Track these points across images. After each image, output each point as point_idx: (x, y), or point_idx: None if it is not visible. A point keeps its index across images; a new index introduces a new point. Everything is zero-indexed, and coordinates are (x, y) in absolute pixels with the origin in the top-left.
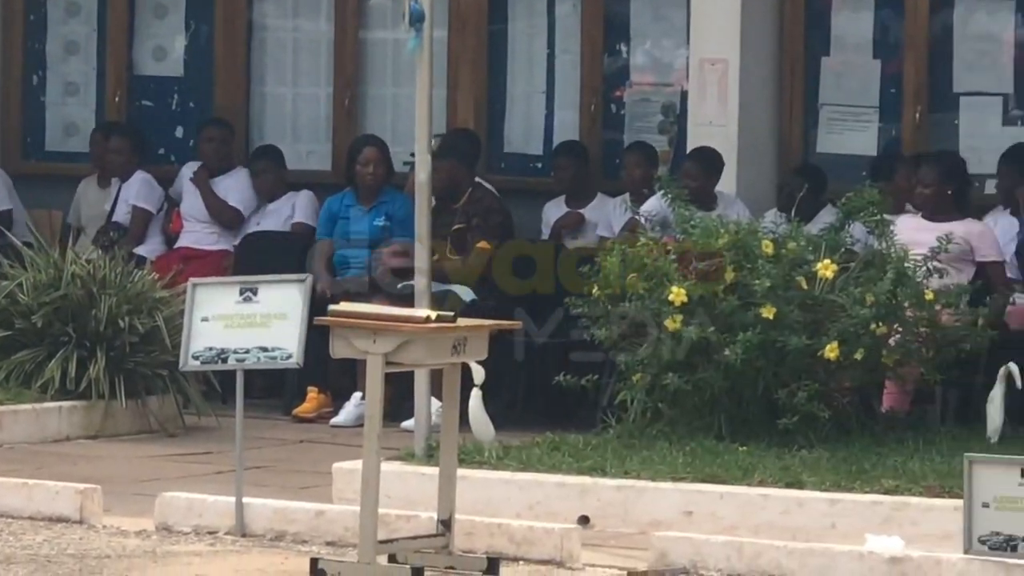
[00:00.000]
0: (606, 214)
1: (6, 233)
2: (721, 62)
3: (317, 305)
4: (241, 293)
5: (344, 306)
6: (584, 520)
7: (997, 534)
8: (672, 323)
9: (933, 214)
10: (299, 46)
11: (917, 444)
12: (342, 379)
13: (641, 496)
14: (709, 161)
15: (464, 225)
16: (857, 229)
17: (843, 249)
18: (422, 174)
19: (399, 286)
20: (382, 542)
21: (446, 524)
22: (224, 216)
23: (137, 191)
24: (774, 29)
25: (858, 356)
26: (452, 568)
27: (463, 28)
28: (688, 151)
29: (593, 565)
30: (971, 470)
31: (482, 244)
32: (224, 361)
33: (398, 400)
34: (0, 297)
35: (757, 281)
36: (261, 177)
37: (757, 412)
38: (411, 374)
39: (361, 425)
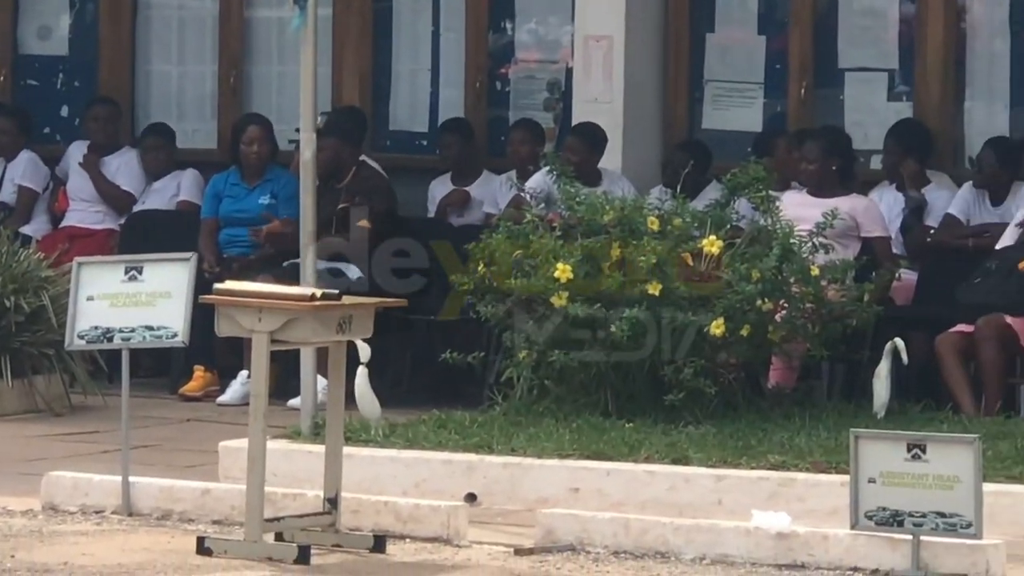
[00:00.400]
0: (492, 191)
1: None
2: (606, 39)
3: (203, 284)
4: (126, 272)
5: (229, 284)
6: (471, 497)
7: (883, 509)
8: (558, 300)
9: (818, 190)
10: (184, 24)
11: (803, 420)
12: (229, 357)
13: (527, 473)
14: (591, 137)
15: (349, 204)
16: (742, 205)
17: (728, 225)
18: (307, 152)
19: (284, 264)
20: (268, 520)
21: (332, 502)
22: (116, 200)
23: (23, 170)
24: (659, 5)
25: (744, 332)
26: (339, 546)
27: (348, 6)
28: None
29: (480, 542)
30: (857, 445)
31: (362, 223)
32: (110, 340)
33: (284, 378)
34: None
35: (643, 258)
36: (151, 155)
37: (643, 389)
38: (297, 352)
39: (247, 403)
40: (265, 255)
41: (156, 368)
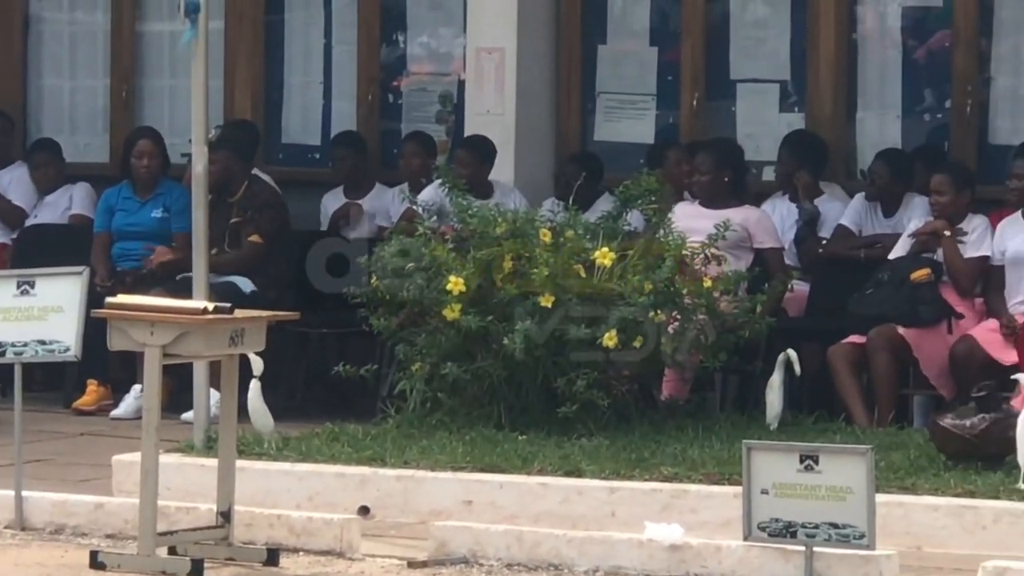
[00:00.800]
0: (384, 204)
1: None
2: (498, 51)
3: (96, 298)
4: (18, 286)
5: (122, 298)
6: (364, 510)
7: (776, 520)
8: (451, 312)
9: (711, 201)
10: (76, 38)
11: (696, 432)
12: (122, 372)
13: (421, 486)
14: (482, 149)
15: (240, 219)
16: (635, 217)
17: (621, 237)
18: (198, 166)
19: (177, 278)
20: (162, 534)
21: (225, 516)
22: (7, 215)
23: None
24: (551, 17)
25: (637, 344)
26: (232, 559)
27: (240, 19)
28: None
29: (373, 555)
30: (750, 457)
31: (254, 238)
32: (2, 355)
33: (178, 392)
34: None
35: (535, 270)
36: (41, 171)
37: (537, 401)
38: (191, 366)
39: (141, 417)
40: (157, 269)
41: (49, 382)
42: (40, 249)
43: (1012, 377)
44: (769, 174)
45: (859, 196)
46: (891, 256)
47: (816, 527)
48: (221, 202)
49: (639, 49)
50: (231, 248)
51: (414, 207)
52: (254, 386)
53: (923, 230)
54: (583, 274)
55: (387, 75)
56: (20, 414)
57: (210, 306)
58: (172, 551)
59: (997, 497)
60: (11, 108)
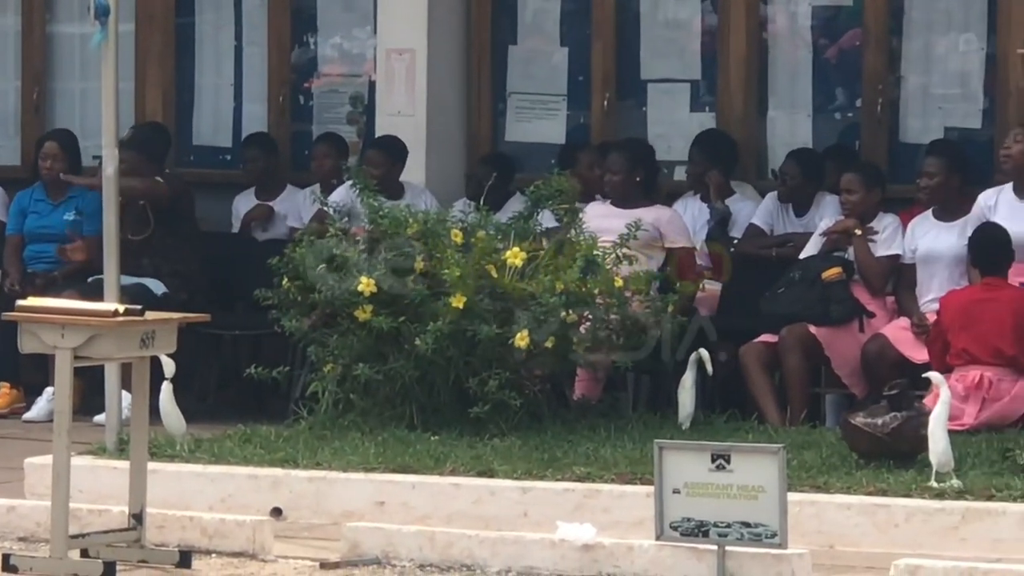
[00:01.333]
0: (296, 205)
1: None
2: (408, 52)
3: (8, 301)
4: None
5: (32, 301)
6: (277, 512)
7: (688, 520)
8: (362, 313)
9: (622, 201)
10: None
11: (609, 431)
12: (35, 374)
13: (333, 487)
14: (393, 150)
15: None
16: (546, 217)
17: (532, 237)
18: (109, 168)
19: (89, 280)
20: (74, 536)
21: (137, 518)
22: None
23: None
24: (461, 18)
25: (549, 344)
26: (145, 562)
27: (150, 21)
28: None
29: (286, 557)
30: (662, 456)
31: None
32: None
33: (90, 394)
34: None
35: (447, 270)
36: None
37: (449, 401)
38: (103, 368)
39: (53, 420)
40: (69, 272)
41: None
42: None
43: (924, 375)
44: (680, 174)
45: (770, 195)
46: (802, 255)
47: (728, 526)
48: (132, 203)
49: (550, 49)
50: (136, 236)
51: (325, 208)
52: (166, 388)
53: (834, 229)
54: (495, 274)
55: (298, 76)
56: None
57: (121, 308)
58: (84, 553)
59: (909, 495)
60: None
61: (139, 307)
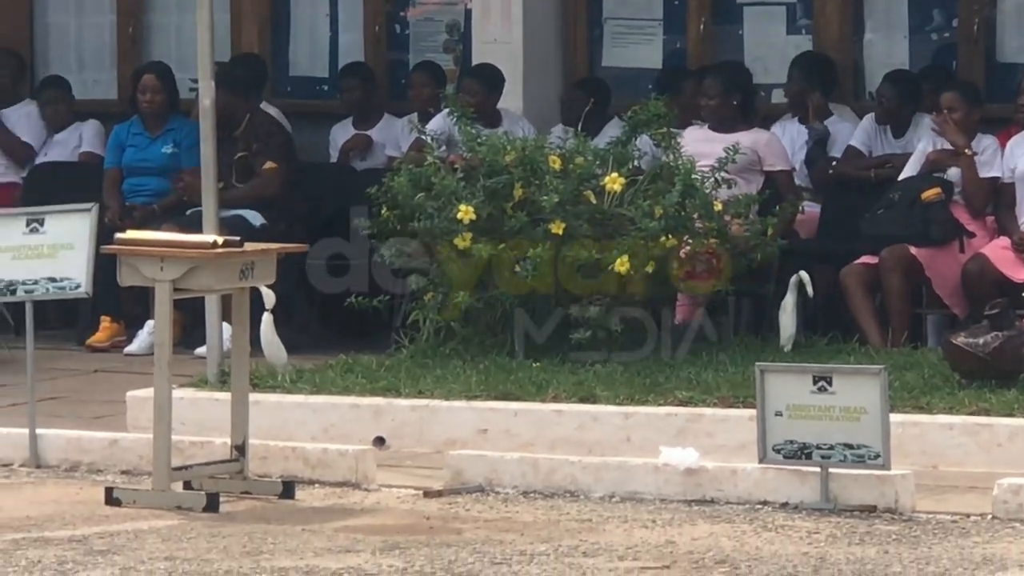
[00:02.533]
0: (393, 135)
1: None
2: None
3: (108, 234)
4: (28, 224)
5: (131, 234)
6: (380, 441)
7: (791, 442)
8: (462, 241)
9: (719, 125)
10: None
11: (710, 355)
12: (135, 308)
13: (435, 415)
14: (490, 78)
15: (246, 153)
16: (644, 142)
17: (631, 163)
18: (206, 100)
19: (187, 212)
20: (176, 469)
21: (240, 449)
22: (16, 152)
23: None
24: None
25: (649, 269)
26: (248, 493)
27: None
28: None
29: (389, 486)
30: (763, 379)
31: (269, 165)
32: (13, 293)
33: (191, 327)
34: None
35: (545, 197)
36: (50, 108)
37: (549, 328)
38: (203, 300)
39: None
40: (169, 204)
41: (64, 320)
42: (50, 188)
43: None
44: (777, 97)
45: (868, 117)
46: (901, 176)
47: (831, 448)
48: (226, 138)
49: None
50: (240, 183)
51: (423, 137)
52: (266, 319)
53: (944, 149)
54: (593, 200)
55: (394, 6)
56: (33, 352)
57: (220, 240)
58: (187, 486)
59: (1012, 414)
60: (18, 46)
61: (238, 238)
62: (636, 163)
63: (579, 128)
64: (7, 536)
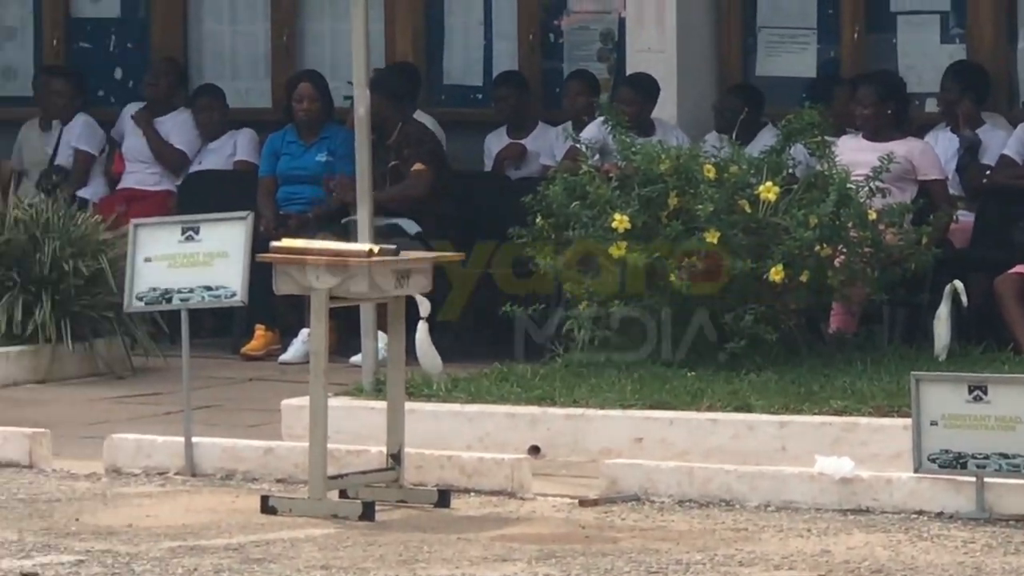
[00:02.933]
0: (548, 143)
1: None
2: None
3: (262, 242)
4: (183, 232)
5: (287, 242)
6: (535, 450)
7: (946, 452)
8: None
9: (873, 134)
10: None
11: (865, 364)
12: (290, 316)
13: (591, 424)
14: (645, 87)
15: (398, 161)
16: (798, 151)
17: (785, 171)
18: (361, 109)
19: (342, 221)
20: (332, 477)
21: (396, 458)
22: (169, 158)
23: (79, 134)
24: None
25: (803, 278)
26: (403, 501)
27: None
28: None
29: (544, 494)
30: (919, 389)
31: (418, 166)
32: (168, 301)
33: (346, 335)
34: None
35: (700, 206)
36: (204, 116)
37: (704, 337)
38: (358, 309)
39: (308, 361)
40: (323, 212)
41: (218, 328)
42: (204, 196)
43: None
44: (931, 106)
45: (1022, 126)
46: None
47: (986, 458)
48: (379, 146)
49: None
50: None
51: (578, 146)
52: (422, 327)
53: None
54: (748, 209)
55: (548, 14)
56: (188, 360)
57: (375, 248)
58: (343, 494)
59: None
60: (174, 55)
61: (394, 247)
62: (790, 172)
63: (733, 136)
64: (163, 544)
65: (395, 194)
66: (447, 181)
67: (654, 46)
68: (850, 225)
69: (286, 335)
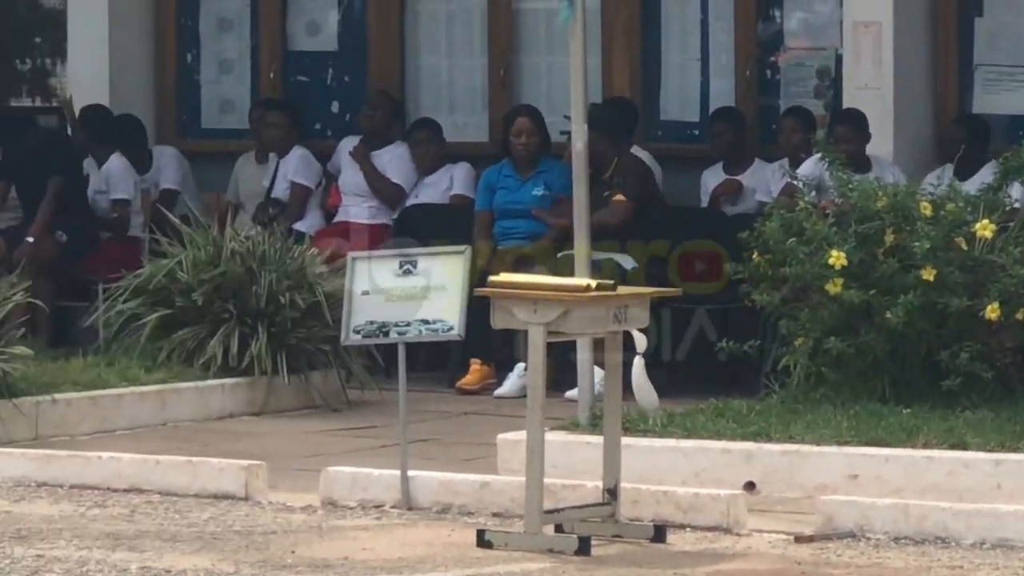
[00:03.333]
0: (764, 179)
1: (166, 213)
2: (875, 24)
3: (478, 276)
4: (401, 266)
5: (504, 276)
6: (750, 486)
7: None
8: (833, 287)
9: None
10: (452, 17)
11: None
12: (504, 350)
13: (806, 460)
14: (859, 123)
15: (608, 192)
16: (1015, 189)
17: (1001, 209)
18: (579, 143)
19: (559, 255)
20: (548, 512)
21: (612, 492)
22: (386, 192)
23: (295, 167)
24: None
25: (1020, 316)
26: (619, 536)
27: None
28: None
29: (760, 531)
30: None
31: (618, 198)
32: (385, 334)
33: (560, 370)
34: (160, 275)
35: (917, 243)
36: (421, 148)
37: (920, 374)
38: (573, 343)
39: (524, 396)
40: (541, 246)
41: (432, 362)
42: (420, 229)
43: None
44: None
45: None
46: None
47: None
48: (595, 181)
49: (1015, 21)
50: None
51: (794, 182)
52: (638, 363)
53: None
54: (964, 246)
55: (764, 50)
56: (404, 394)
57: (593, 283)
58: (559, 529)
59: None
60: (391, 88)
61: (612, 282)
62: (1007, 209)
63: (954, 169)
64: None
65: (593, 221)
66: (662, 217)
67: (871, 82)
68: None
69: (501, 369)
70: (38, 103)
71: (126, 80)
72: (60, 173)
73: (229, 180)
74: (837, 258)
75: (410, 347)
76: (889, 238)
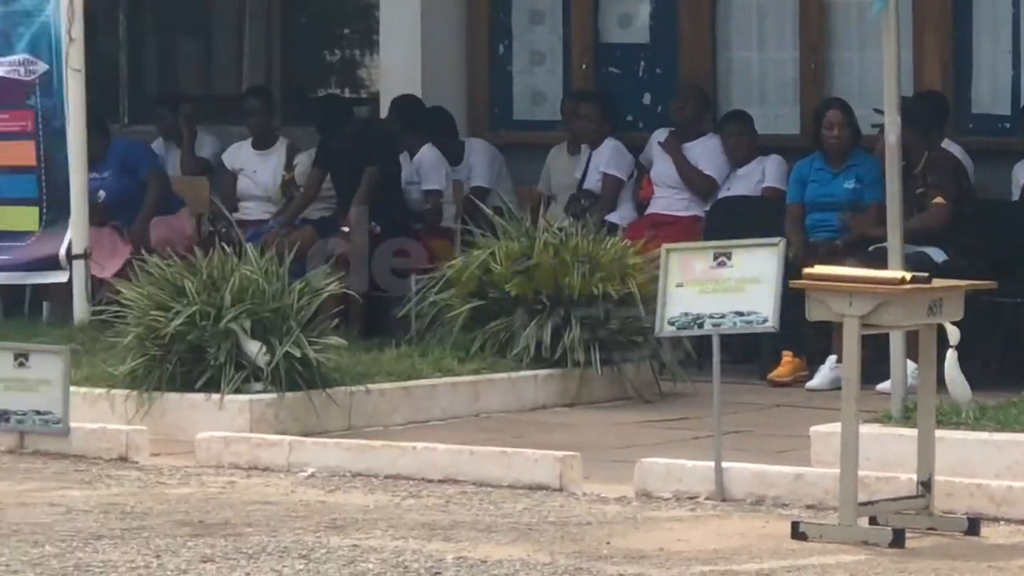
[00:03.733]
0: None
1: (479, 204)
2: None
3: (790, 269)
4: (715, 258)
5: (819, 269)
6: None
7: None
8: None
9: None
10: (764, 12)
11: None
12: (816, 343)
13: None
14: None
15: (924, 189)
16: None
17: None
18: (891, 136)
19: (870, 248)
20: (862, 504)
21: (926, 485)
22: (698, 184)
23: (608, 158)
24: None
25: None
26: (933, 529)
27: None
28: None
29: None
30: None
31: (937, 200)
32: (700, 326)
33: (872, 362)
34: (473, 267)
35: None
36: (733, 140)
37: None
38: (884, 336)
39: (836, 389)
40: (851, 240)
41: (742, 354)
42: (733, 222)
43: None
44: None
45: None
46: None
47: None
48: (906, 175)
49: None
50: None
51: None
52: (951, 356)
53: None
54: None
55: None
56: (719, 386)
57: (907, 276)
58: (873, 521)
59: None
60: (701, 81)
61: (926, 275)
62: None
63: None
64: (695, 568)
65: (915, 225)
66: (973, 210)
67: None
68: None
69: (812, 362)
70: (347, 94)
71: (438, 72)
72: (377, 164)
73: (540, 172)
74: None
75: (722, 339)
76: None
